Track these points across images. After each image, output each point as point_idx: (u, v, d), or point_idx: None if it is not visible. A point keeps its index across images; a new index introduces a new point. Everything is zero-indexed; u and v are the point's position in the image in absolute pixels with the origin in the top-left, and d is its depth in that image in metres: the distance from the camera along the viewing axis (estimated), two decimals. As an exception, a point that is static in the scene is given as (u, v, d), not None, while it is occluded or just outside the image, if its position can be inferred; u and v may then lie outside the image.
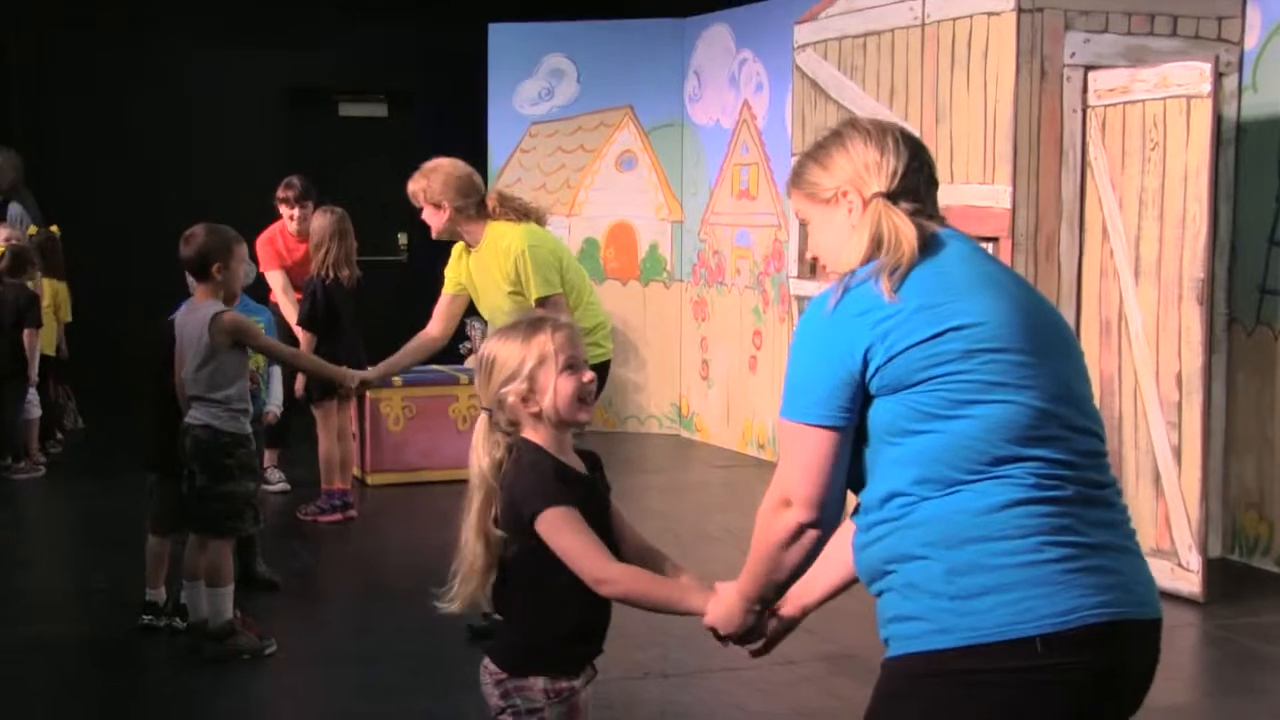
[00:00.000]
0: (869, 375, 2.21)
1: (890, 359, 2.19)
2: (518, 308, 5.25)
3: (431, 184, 5.38)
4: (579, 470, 2.75)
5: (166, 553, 5.32)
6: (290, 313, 7.45)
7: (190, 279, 5.14)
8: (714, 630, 2.60)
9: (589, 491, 2.72)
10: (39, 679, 4.90)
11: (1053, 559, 2.15)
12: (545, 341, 2.68)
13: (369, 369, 5.58)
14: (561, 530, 2.61)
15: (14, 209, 9.06)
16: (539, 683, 2.68)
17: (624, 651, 4.99)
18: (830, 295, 2.28)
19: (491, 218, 5.39)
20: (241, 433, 5.01)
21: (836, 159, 2.39)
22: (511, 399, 2.69)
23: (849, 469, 2.30)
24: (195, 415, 4.96)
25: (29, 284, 8.19)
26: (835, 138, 2.43)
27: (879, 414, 2.23)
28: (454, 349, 6.29)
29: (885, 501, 2.25)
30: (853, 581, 2.59)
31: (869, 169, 2.35)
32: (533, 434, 2.72)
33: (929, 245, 2.28)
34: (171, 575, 5.31)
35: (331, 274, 7.10)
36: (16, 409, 8.15)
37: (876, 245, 2.28)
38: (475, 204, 5.39)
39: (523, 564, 2.65)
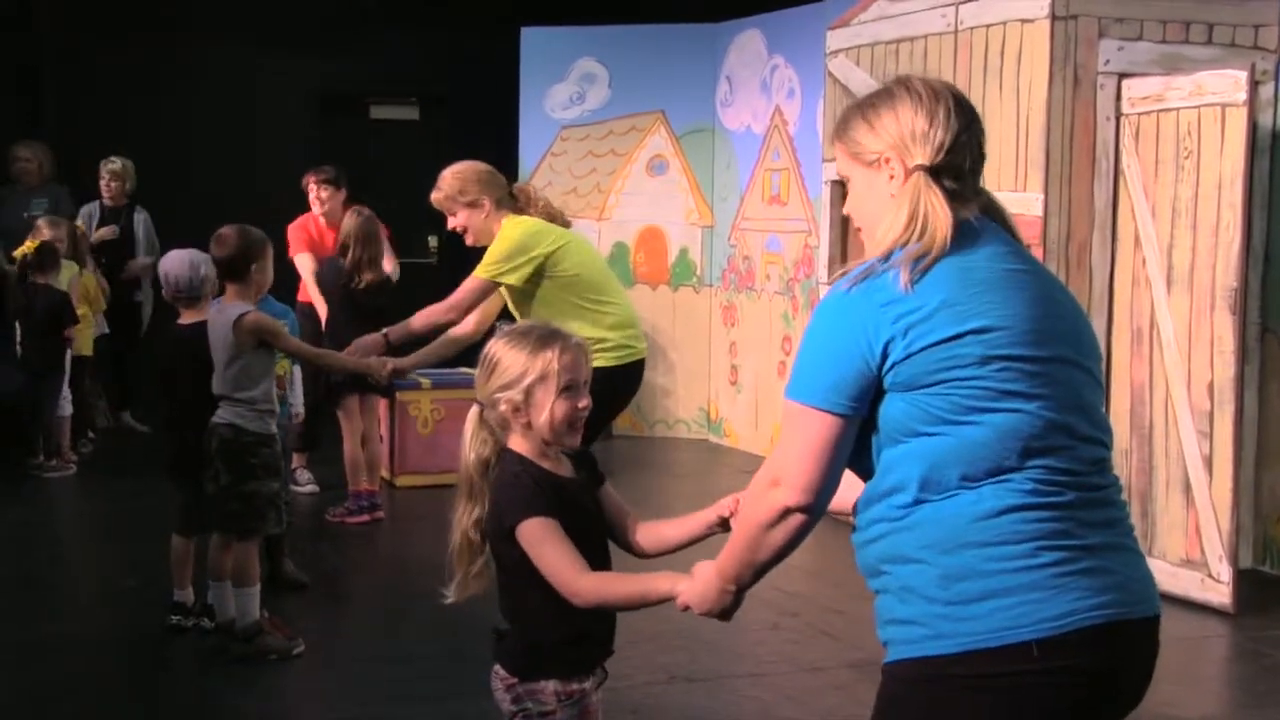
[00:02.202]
0: (885, 369, 2.18)
1: (908, 356, 2.16)
2: (534, 299, 5.27)
3: (464, 186, 5.37)
4: (564, 475, 2.75)
5: (191, 553, 5.34)
6: (319, 300, 7.52)
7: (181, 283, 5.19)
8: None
9: (573, 497, 2.72)
10: (67, 677, 4.92)
11: (1048, 563, 2.14)
12: (550, 359, 2.68)
13: (398, 358, 5.55)
14: (539, 541, 2.63)
15: (145, 216, 9.16)
16: (550, 685, 2.70)
17: (649, 656, 4.99)
18: (856, 275, 2.22)
19: (519, 211, 5.41)
20: (266, 433, 5.03)
21: (885, 120, 2.31)
22: (504, 406, 2.71)
23: (858, 458, 2.27)
24: (221, 414, 4.99)
25: (63, 281, 8.25)
26: (886, 97, 2.34)
27: (889, 410, 2.20)
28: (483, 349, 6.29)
29: (886, 496, 2.23)
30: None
31: (915, 138, 2.28)
32: (518, 441, 2.74)
33: (961, 235, 2.23)
34: (198, 575, 5.33)
35: (356, 276, 7.14)
36: (53, 407, 8.20)
37: (911, 224, 2.22)
38: (507, 195, 5.43)
39: (525, 568, 2.66)
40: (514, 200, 5.47)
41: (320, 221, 7.93)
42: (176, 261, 5.24)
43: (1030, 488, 2.16)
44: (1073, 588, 2.13)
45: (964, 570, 2.15)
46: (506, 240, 5.33)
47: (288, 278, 7.98)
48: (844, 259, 7.28)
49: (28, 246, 8.09)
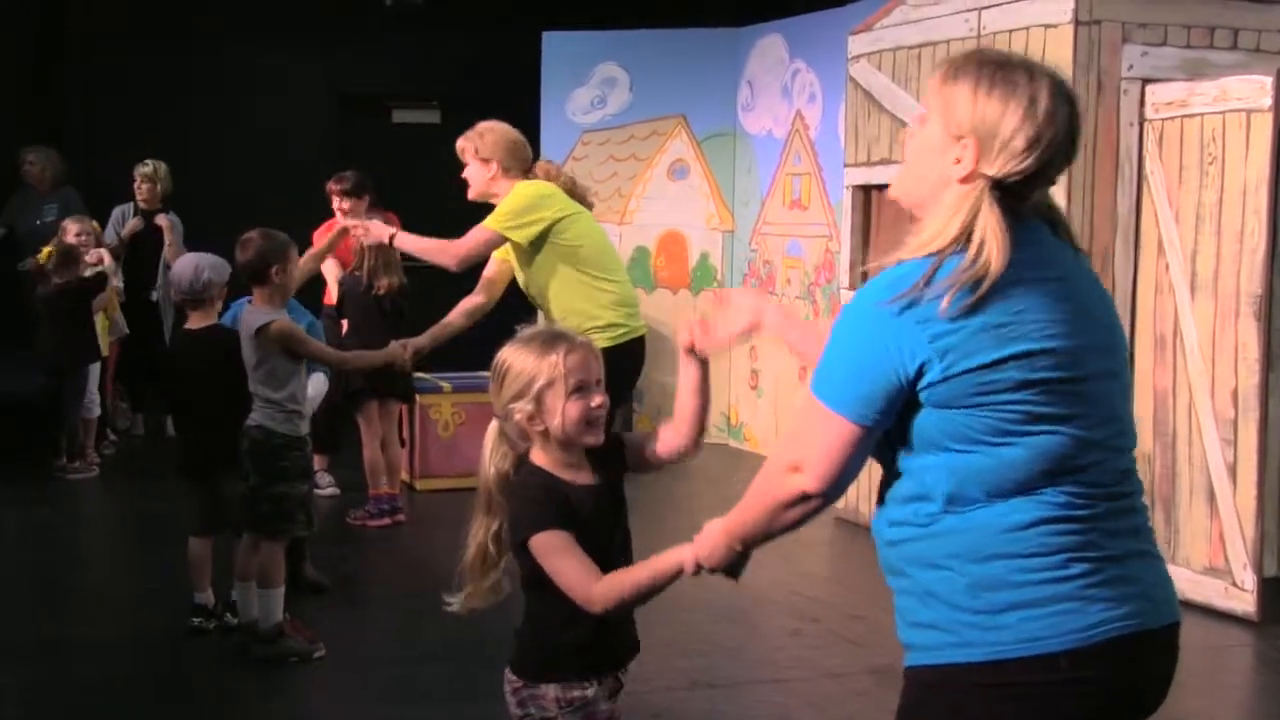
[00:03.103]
0: (919, 386, 2.14)
1: (945, 379, 2.12)
2: (536, 267, 5.30)
3: (485, 141, 5.49)
4: (583, 484, 2.74)
5: (209, 554, 5.36)
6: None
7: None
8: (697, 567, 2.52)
9: (592, 505, 2.72)
10: (89, 677, 4.94)
11: (1076, 574, 2.14)
12: (556, 363, 2.68)
13: (415, 338, 5.60)
14: (551, 554, 2.63)
15: (175, 218, 9.19)
16: (551, 691, 2.70)
17: (669, 661, 4.99)
18: (897, 286, 2.11)
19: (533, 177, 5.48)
20: (295, 434, 5.05)
21: (994, 102, 2.13)
22: (518, 416, 2.71)
23: (877, 448, 2.26)
24: (252, 416, 5.02)
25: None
26: (1010, 82, 2.15)
27: (923, 421, 2.18)
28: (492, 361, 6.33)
29: (911, 502, 2.22)
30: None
31: (1004, 146, 2.13)
32: (539, 452, 2.74)
33: (1012, 248, 2.11)
34: (219, 576, 5.34)
35: (374, 283, 7.17)
36: (76, 408, 8.24)
37: (960, 238, 2.11)
38: (521, 169, 5.47)
39: (535, 576, 2.67)
40: (527, 175, 5.52)
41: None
42: (181, 265, 5.32)
43: (1062, 500, 2.15)
44: (1100, 599, 2.13)
45: (993, 580, 2.14)
46: (519, 196, 5.40)
47: (315, 282, 8.03)
48: (865, 264, 7.26)
49: (45, 253, 8.11)
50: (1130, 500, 2.24)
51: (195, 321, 5.30)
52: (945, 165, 2.18)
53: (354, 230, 5.52)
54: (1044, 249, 2.22)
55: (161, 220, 9.09)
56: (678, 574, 2.53)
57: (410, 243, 5.75)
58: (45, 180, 9.40)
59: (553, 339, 2.73)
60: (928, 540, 2.20)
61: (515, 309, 5.62)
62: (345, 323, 7.50)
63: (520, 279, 5.58)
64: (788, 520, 2.32)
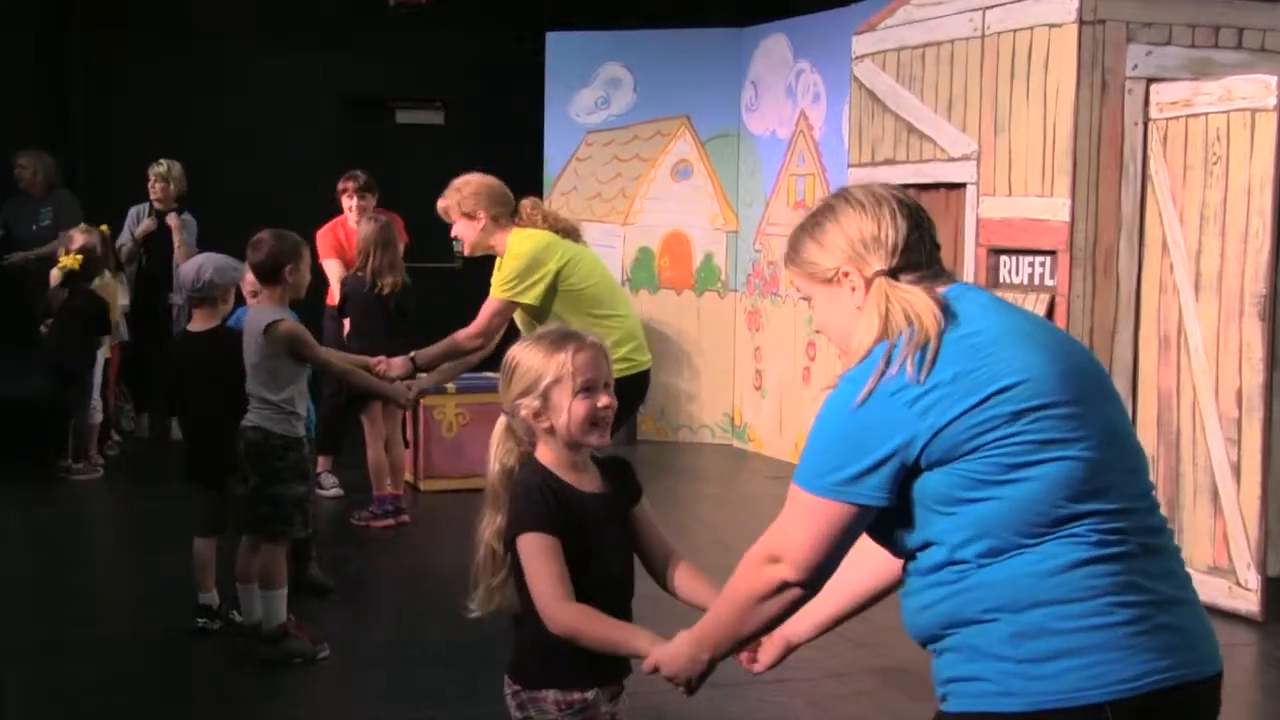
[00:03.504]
0: (914, 454, 2.15)
1: (935, 435, 2.13)
2: (545, 315, 5.30)
3: (464, 196, 5.44)
4: (586, 490, 2.73)
5: (213, 555, 5.36)
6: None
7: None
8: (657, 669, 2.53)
9: (591, 513, 2.70)
10: (93, 678, 4.94)
11: (1121, 621, 2.12)
12: (565, 361, 2.68)
13: (419, 378, 5.56)
14: (532, 557, 2.63)
15: (188, 218, 9.21)
16: (550, 695, 2.69)
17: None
18: (862, 378, 2.18)
19: (523, 225, 5.43)
20: (293, 435, 5.05)
21: (831, 235, 2.32)
22: (524, 412, 2.70)
23: (878, 531, 2.26)
24: (250, 417, 5.01)
25: (98, 287, 8.30)
26: (828, 211, 2.35)
27: (929, 485, 2.17)
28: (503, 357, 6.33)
29: (940, 568, 2.20)
30: (847, 618, 2.63)
31: (867, 245, 2.28)
32: (544, 449, 2.73)
33: (945, 310, 2.21)
34: (224, 577, 5.34)
35: (378, 282, 7.18)
36: (83, 411, 8.25)
37: (884, 325, 2.21)
38: (508, 214, 5.45)
39: (524, 573, 2.66)
40: (514, 218, 5.48)
41: (351, 226, 7.97)
42: (186, 265, 5.35)
43: (1094, 539, 2.13)
44: (1146, 648, 2.11)
45: (1035, 629, 2.12)
46: (516, 257, 5.35)
47: (316, 283, 8.02)
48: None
49: (72, 259, 8.09)
50: (1163, 539, 2.23)
51: (198, 322, 5.30)
52: (848, 302, 2.30)
53: (377, 367, 5.39)
54: (987, 299, 2.29)
55: (171, 220, 9.10)
56: (638, 656, 2.56)
57: (432, 352, 5.51)
58: (38, 184, 9.36)
59: (564, 337, 2.73)
60: (962, 595, 2.18)
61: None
62: (347, 323, 7.51)
63: (524, 327, 5.50)
64: (765, 616, 2.32)
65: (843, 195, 2.36)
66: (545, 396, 2.68)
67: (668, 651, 2.49)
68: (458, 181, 5.52)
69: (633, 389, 5.42)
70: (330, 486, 7.81)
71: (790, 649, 2.68)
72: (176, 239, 9.04)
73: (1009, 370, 2.15)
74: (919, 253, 2.29)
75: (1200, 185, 5.84)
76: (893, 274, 2.26)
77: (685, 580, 2.78)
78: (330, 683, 4.99)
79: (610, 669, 2.74)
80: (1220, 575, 5.75)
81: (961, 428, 2.13)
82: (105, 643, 5.34)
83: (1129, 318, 6.08)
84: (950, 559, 2.18)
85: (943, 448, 2.14)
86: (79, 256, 8.12)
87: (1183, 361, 5.92)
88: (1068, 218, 6.00)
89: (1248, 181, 5.65)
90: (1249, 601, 5.67)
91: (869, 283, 2.27)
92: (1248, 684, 5.22)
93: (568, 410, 2.68)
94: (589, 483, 2.75)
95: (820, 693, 4.82)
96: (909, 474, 2.17)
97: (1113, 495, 2.16)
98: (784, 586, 2.27)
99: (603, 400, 2.71)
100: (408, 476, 7.93)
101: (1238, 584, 5.70)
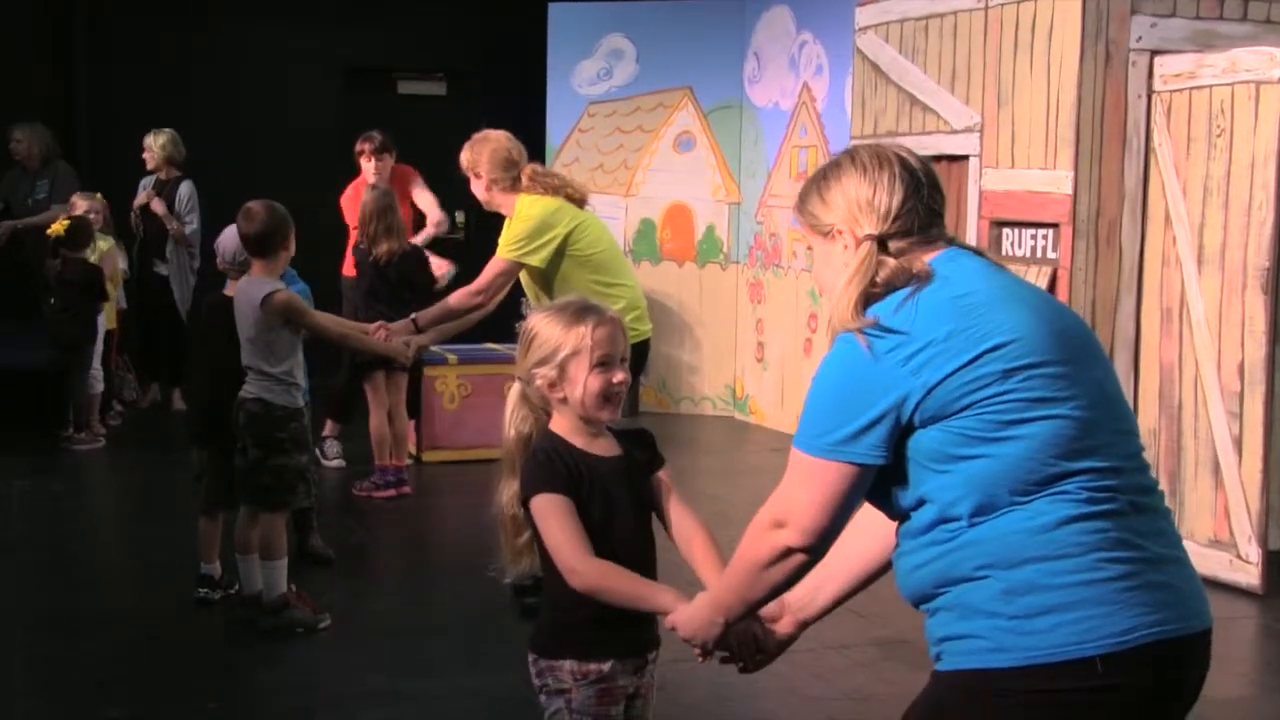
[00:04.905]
0: (908, 412, 2.17)
1: (929, 391, 2.16)
2: (552, 278, 5.30)
3: (474, 155, 5.46)
4: (601, 455, 2.74)
5: (218, 528, 5.37)
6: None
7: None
8: (684, 637, 2.55)
9: (604, 477, 2.71)
10: (94, 648, 4.96)
11: (1112, 576, 2.14)
12: (585, 334, 2.69)
13: (418, 335, 5.55)
14: (546, 517, 2.64)
15: (184, 187, 9.20)
16: (567, 664, 2.70)
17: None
18: (858, 341, 2.22)
19: (523, 191, 5.43)
20: (293, 406, 5.05)
21: (833, 192, 2.36)
22: (539, 381, 2.72)
23: (876, 495, 2.28)
24: (249, 389, 5.01)
25: (91, 257, 8.30)
26: (834, 169, 2.39)
27: (922, 443, 2.20)
28: (508, 326, 6.31)
29: (933, 526, 2.22)
30: (855, 592, 2.62)
31: (861, 208, 2.32)
32: (559, 418, 2.74)
33: (933, 275, 2.24)
34: (226, 548, 5.35)
35: (374, 249, 7.19)
36: (83, 381, 8.26)
37: (860, 283, 2.26)
38: (511, 179, 5.44)
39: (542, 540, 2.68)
40: (517, 184, 5.47)
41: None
42: (225, 236, 5.31)
43: (1084, 496, 2.15)
44: (1136, 603, 2.14)
45: (1027, 585, 2.14)
46: (525, 219, 5.36)
47: (335, 253, 8.09)
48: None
49: (60, 225, 8.11)
50: (1153, 499, 2.25)
51: (233, 289, 5.26)
52: (839, 258, 2.34)
53: (375, 333, 5.39)
54: (981, 264, 2.31)
55: (156, 205, 9.10)
56: (662, 613, 2.58)
57: (433, 312, 5.51)
58: (34, 157, 9.35)
59: (583, 310, 2.74)
60: (956, 553, 2.20)
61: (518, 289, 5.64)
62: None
63: (530, 290, 5.51)
64: (770, 581, 2.35)
65: (850, 154, 2.39)
66: (562, 368, 2.69)
67: (686, 612, 2.52)
68: (477, 137, 5.56)
69: (635, 358, 5.42)
70: (334, 456, 7.82)
71: (803, 626, 2.67)
72: (160, 210, 9.08)
73: (1000, 329, 2.17)
74: (911, 222, 2.31)
75: (1204, 158, 5.83)
76: (883, 239, 2.29)
77: (697, 554, 2.78)
78: (331, 653, 5.00)
79: (631, 642, 2.74)
80: (1221, 548, 5.76)
81: (954, 385, 2.15)
82: (106, 612, 5.35)
83: (1131, 291, 6.07)
84: (942, 517, 2.20)
85: (936, 405, 2.16)
86: (65, 222, 8.11)
87: (1185, 334, 5.92)
88: (1070, 190, 5.98)
89: (1251, 154, 5.64)
90: (1250, 575, 5.68)
91: (859, 243, 2.31)
92: (1248, 657, 5.24)
93: (583, 384, 2.69)
94: (603, 447, 2.76)
95: (823, 665, 4.83)
96: (904, 432, 2.20)
97: (1103, 454, 2.18)
98: (788, 552, 2.29)
99: (618, 376, 2.72)
100: (410, 447, 7.93)
101: (1239, 557, 5.71)
